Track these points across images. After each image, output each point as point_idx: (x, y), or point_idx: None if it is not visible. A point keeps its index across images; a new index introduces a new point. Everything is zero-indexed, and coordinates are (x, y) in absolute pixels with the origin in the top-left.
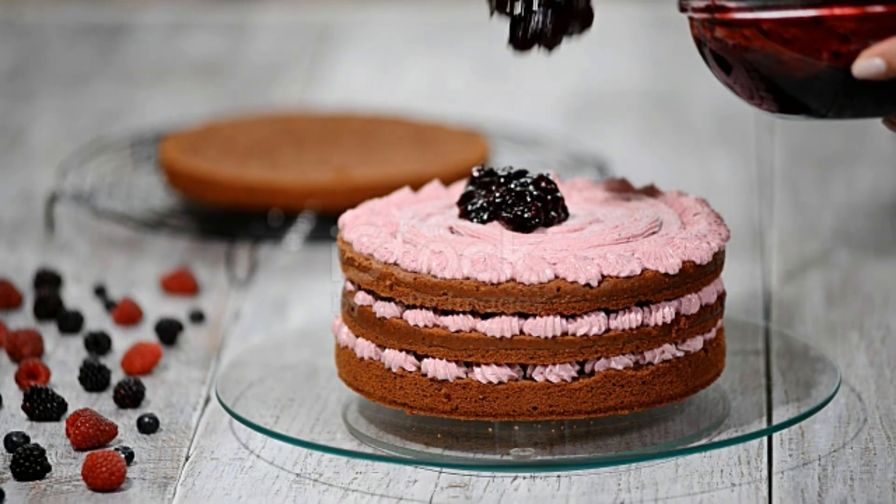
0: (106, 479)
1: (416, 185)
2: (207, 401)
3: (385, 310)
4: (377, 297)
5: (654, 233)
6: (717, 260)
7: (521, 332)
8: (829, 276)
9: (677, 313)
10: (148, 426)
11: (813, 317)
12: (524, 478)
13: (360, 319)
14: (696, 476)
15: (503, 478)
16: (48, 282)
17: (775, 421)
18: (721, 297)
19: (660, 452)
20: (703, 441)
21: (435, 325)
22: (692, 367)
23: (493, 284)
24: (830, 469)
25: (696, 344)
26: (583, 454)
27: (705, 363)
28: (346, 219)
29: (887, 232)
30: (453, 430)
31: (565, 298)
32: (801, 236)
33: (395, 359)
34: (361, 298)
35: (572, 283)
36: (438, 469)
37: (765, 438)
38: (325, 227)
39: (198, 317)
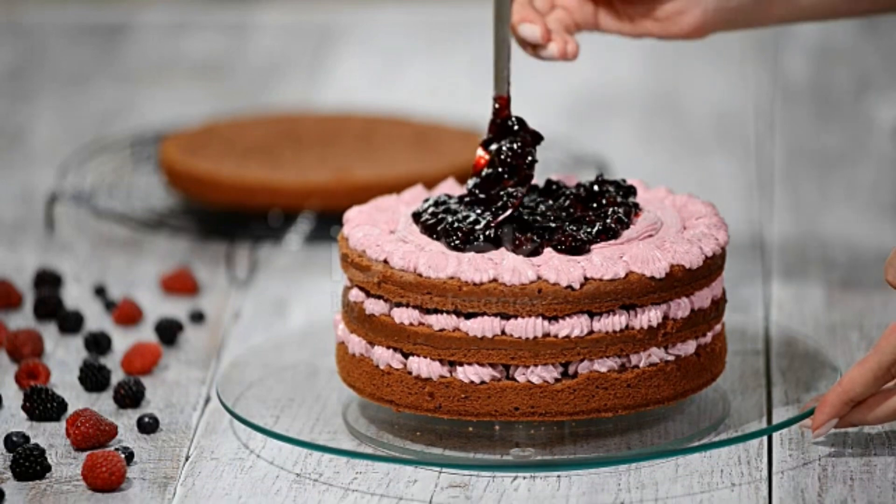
0: (106, 479)
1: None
2: (207, 401)
3: (374, 307)
4: (368, 294)
5: (650, 235)
6: (713, 265)
7: (503, 333)
8: (829, 276)
9: (665, 317)
10: (148, 426)
11: (813, 317)
12: (524, 478)
13: (352, 315)
14: (696, 476)
15: (503, 478)
16: (48, 282)
17: (775, 421)
18: (717, 301)
19: (660, 452)
20: (703, 441)
21: (420, 324)
22: (682, 371)
23: (475, 284)
24: (830, 469)
25: (687, 348)
26: (583, 454)
27: (697, 367)
28: (351, 214)
29: (887, 232)
30: (453, 430)
31: (547, 300)
32: (801, 236)
33: (383, 356)
34: (354, 295)
35: (554, 284)
36: (438, 469)
37: (765, 438)
38: (325, 227)
39: (198, 317)
